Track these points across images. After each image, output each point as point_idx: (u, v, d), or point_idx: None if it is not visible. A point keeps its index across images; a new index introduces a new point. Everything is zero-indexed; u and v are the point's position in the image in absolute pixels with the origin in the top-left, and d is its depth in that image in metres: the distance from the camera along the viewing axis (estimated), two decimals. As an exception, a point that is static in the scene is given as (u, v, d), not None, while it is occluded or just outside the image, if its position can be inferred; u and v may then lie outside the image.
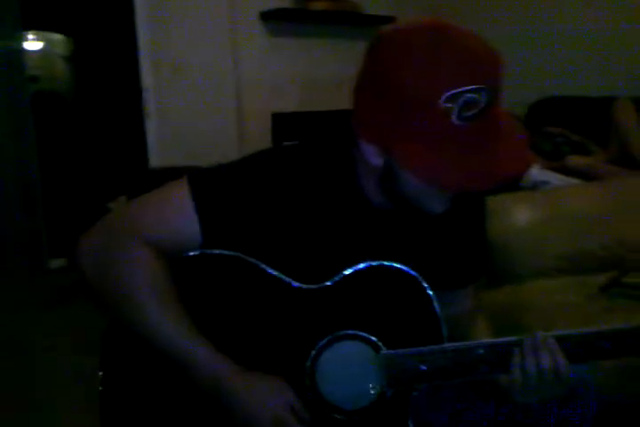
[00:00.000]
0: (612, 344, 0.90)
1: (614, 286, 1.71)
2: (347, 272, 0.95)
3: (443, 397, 1.04)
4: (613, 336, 0.90)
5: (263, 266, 0.95)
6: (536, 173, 2.28)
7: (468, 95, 0.77)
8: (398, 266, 0.94)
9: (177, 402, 0.94)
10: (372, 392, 0.94)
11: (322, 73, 3.41)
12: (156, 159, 3.07)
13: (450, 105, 0.78)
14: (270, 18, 3.31)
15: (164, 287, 0.91)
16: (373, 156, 0.88)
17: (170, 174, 1.01)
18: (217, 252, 0.94)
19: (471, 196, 1.03)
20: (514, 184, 2.28)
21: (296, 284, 0.95)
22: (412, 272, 0.94)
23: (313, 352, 0.94)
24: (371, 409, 0.94)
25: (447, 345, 0.93)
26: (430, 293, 0.94)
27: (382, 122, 0.84)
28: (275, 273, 0.95)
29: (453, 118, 0.78)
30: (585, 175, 2.29)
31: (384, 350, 0.94)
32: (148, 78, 3.04)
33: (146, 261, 0.90)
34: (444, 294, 0.99)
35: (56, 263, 3.53)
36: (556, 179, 2.26)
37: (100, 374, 0.95)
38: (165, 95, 3.07)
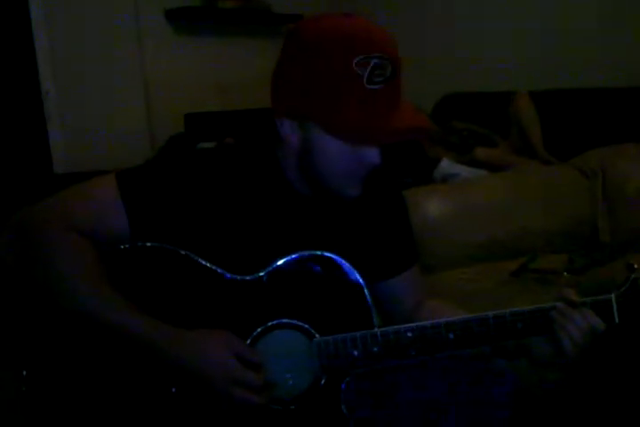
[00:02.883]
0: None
1: (523, 271, 1.80)
2: (279, 262, 0.97)
3: (371, 383, 1.06)
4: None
5: (196, 258, 0.97)
6: (446, 166, 2.36)
7: (375, 61, 0.90)
8: (329, 255, 0.97)
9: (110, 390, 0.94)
10: (307, 380, 0.96)
11: (233, 72, 3.37)
12: (61, 165, 2.94)
13: (361, 69, 0.90)
14: (177, 16, 3.24)
15: (96, 269, 0.92)
16: (291, 131, 0.95)
17: (77, 180, 1.00)
18: (149, 244, 0.96)
19: (388, 188, 1.11)
20: (426, 178, 2.35)
21: (229, 275, 0.97)
22: (342, 260, 0.97)
23: (247, 342, 0.96)
24: (306, 397, 0.96)
25: (377, 330, 0.96)
26: (360, 280, 0.98)
27: (302, 91, 0.93)
28: (208, 265, 0.97)
29: (364, 81, 0.90)
30: (492, 166, 2.39)
31: (317, 338, 0.96)
32: (47, 82, 2.91)
33: (76, 243, 0.93)
34: (388, 284, 1.08)
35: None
36: (465, 171, 2.34)
37: (24, 373, 0.93)
38: (67, 98, 2.94)
